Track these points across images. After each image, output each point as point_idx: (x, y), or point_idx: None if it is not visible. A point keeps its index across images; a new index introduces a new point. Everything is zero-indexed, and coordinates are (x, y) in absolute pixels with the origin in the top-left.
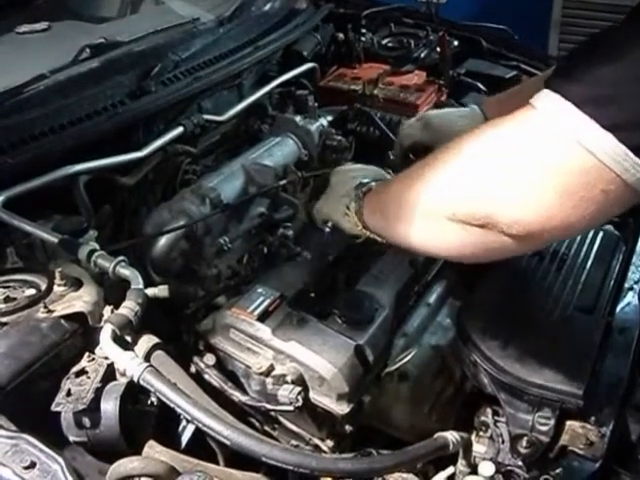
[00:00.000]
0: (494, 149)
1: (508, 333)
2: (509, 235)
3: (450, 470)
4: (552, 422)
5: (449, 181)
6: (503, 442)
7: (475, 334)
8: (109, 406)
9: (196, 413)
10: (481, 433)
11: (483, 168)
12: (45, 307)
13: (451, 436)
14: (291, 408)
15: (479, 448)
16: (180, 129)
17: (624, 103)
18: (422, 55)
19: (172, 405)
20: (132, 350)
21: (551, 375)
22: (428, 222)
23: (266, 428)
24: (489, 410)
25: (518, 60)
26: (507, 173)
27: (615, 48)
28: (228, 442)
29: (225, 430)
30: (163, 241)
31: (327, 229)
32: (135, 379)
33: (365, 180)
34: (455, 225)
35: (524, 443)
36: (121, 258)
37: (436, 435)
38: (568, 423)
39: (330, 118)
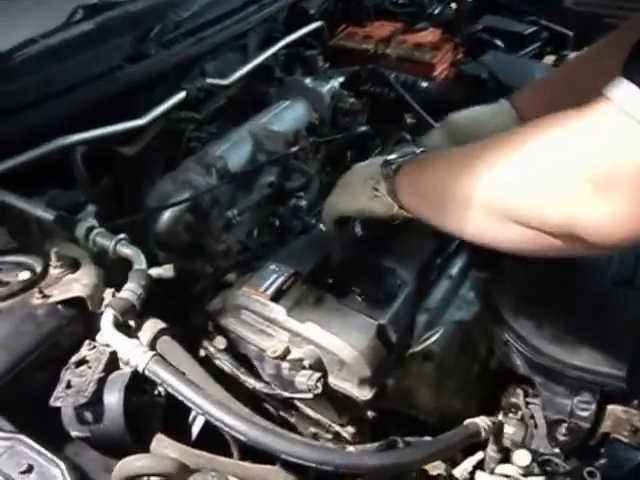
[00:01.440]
0: (572, 151)
1: (542, 310)
2: (590, 244)
3: (479, 455)
4: (593, 407)
5: (517, 182)
6: (536, 427)
7: (507, 312)
8: (113, 398)
9: (208, 406)
10: (510, 415)
11: (559, 172)
12: (40, 292)
13: (482, 422)
14: (310, 396)
15: (508, 429)
16: (182, 94)
17: None
18: (436, 11)
19: (181, 398)
20: (136, 337)
21: (591, 356)
22: (489, 220)
23: (282, 414)
24: (520, 391)
25: (537, 15)
26: (590, 179)
27: None
28: (244, 438)
29: (241, 425)
30: (167, 215)
31: (357, 229)
32: (140, 369)
33: (391, 156)
34: (525, 229)
35: (563, 430)
36: (122, 236)
37: (467, 422)
38: (610, 408)
39: (341, 79)
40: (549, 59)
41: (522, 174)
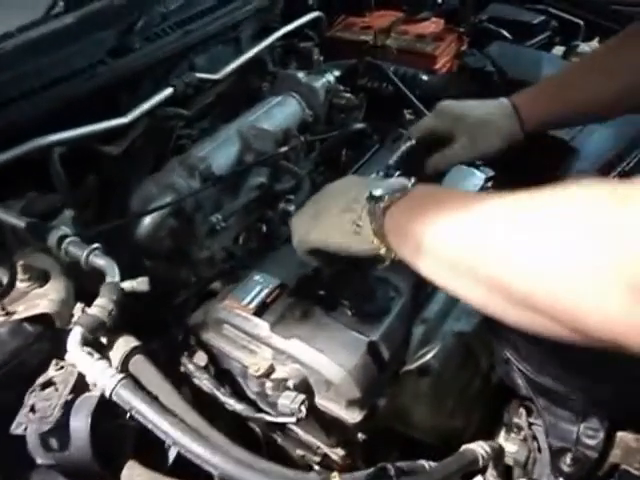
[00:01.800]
0: (617, 250)
1: None
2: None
3: None
4: (601, 435)
5: (542, 267)
6: (540, 450)
7: (507, 327)
8: (79, 424)
9: (178, 436)
10: (512, 435)
11: (599, 270)
12: (3, 309)
13: (480, 449)
14: (293, 420)
15: (509, 447)
16: (170, 90)
17: None
18: (439, 0)
19: (150, 426)
20: (107, 356)
21: (598, 378)
22: (500, 300)
23: (268, 434)
24: (522, 410)
25: (546, 3)
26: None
27: None
28: (217, 472)
29: (213, 458)
30: (148, 220)
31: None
32: (107, 394)
33: (377, 192)
34: (547, 320)
35: (567, 460)
36: (95, 246)
37: (463, 448)
38: (619, 435)
39: (338, 73)
40: (559, 50)
41: (550, 258)
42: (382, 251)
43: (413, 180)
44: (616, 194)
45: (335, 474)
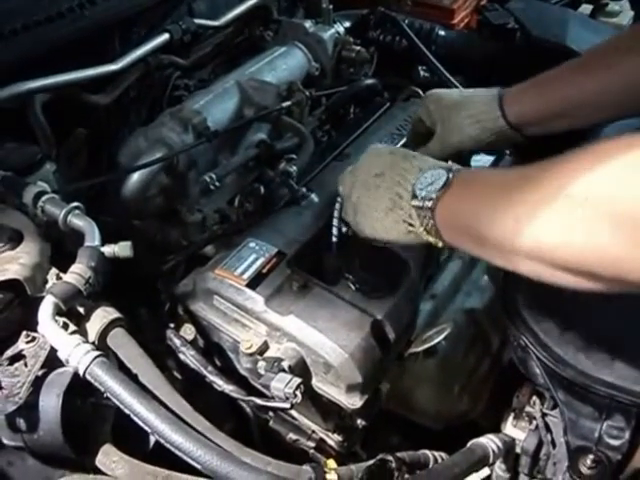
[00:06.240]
0: None
1: (570, 311)
2: None
3: (485, 472)
4: (626, 435)
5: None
6: (554, 445)
7: (526, 310)
8: (50, 403)
9: (158, 424)
10: (523, 424)
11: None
12: None
13: (492, 443)
14: (287, 405)
15: (518, 434)
16: (165, 36)
17: None
18: None
19: (127, 412)
20: (83, 328)
21: (626, 370)
22: (542, 267)
23: (259, 414)
24: (536, 399)
25: None
26: None
27: None
28: (200, 466)
29: (196, 450)
30: (136, 177)
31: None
32: (80, 372)
33: (422, 193)
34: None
35: (588, 461)
36: (75, 204)
37: (471, 443)
38: None
39: (348, 24)
40: (586, 8)
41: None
42: (439, 245)
43: (453, 166)
44: None
45: (330, 465)
